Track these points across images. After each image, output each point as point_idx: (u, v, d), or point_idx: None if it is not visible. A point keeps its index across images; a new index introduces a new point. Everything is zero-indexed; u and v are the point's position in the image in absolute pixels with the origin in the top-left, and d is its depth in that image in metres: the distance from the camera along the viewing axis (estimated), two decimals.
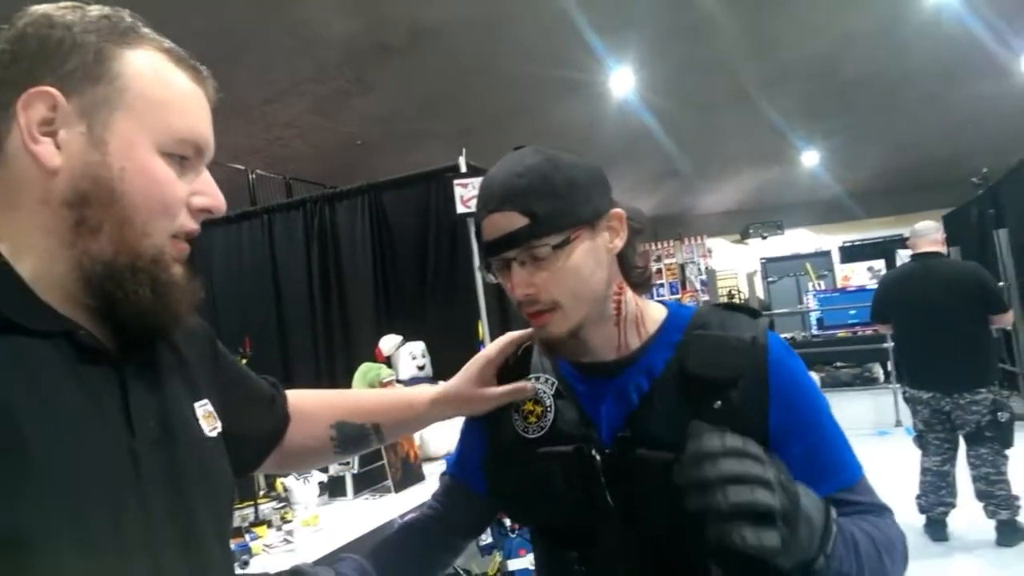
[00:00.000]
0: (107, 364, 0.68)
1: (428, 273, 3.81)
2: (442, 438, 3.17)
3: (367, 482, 2.77)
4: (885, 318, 4.28)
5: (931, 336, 3.91)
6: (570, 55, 7.51)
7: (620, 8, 6.81)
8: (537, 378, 1.04)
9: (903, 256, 9.07)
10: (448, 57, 7.35)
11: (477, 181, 3.60)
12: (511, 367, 1.08)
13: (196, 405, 0.78)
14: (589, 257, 0.92)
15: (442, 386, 1.11)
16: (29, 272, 0.65)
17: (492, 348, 1.08)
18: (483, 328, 3.62)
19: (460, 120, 8.78)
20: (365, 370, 3.19)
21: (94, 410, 0.64)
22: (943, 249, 4.20)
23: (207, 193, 0.74)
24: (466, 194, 3.57)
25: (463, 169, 3.70)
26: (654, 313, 1.01)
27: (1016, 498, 3.87)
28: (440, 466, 3.09)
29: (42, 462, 0.58)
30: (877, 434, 6.95)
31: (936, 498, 4.00)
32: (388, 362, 3.38)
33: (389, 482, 2.70)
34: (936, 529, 4.03)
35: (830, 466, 0.93)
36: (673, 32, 7.43)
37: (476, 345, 3.63)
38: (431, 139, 8.86)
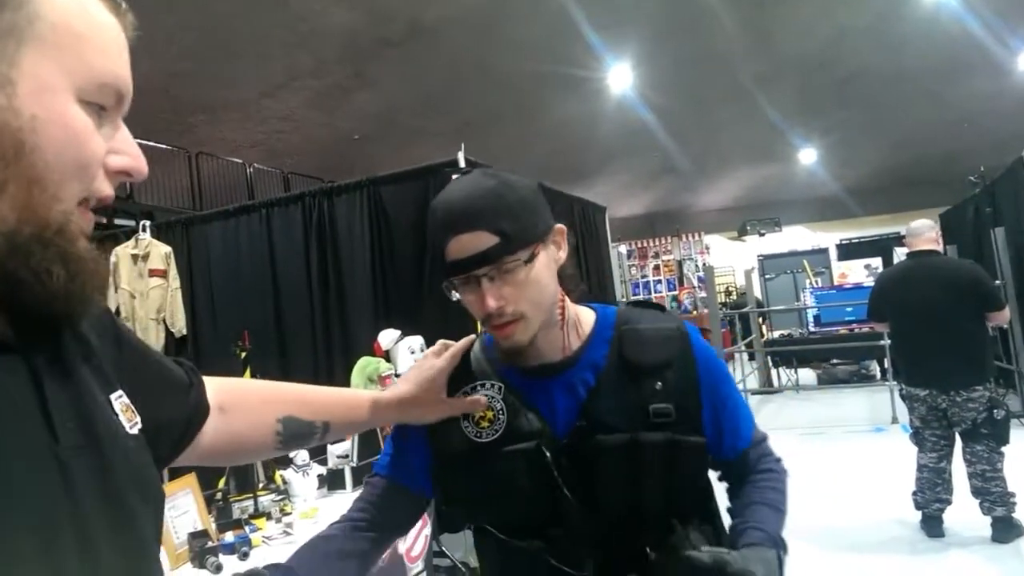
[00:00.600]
0: (16, 359, 0.56)
1: (426, 268, 3.80)
2: None
3: (366, 475, 2.78)
4: (882, 316, 4.30)
5: (928, 334, 3.93)
6: (568, 51, 7.51)
7: (618, 5, 6.81)
8: (483, 384, 1.09)
9: (900, 254, 9.08)
10: (447, 52, 7.35)
11: None
12: (455, 375, 1.11)
13: (112, 398, 0.67)
14: (546, 269, 1.01)
15: (398, 390, 1.09)
16: None
17: (444, 358, 1.11)
18: (480, 325, 3.63)
19: (459, 115, 8.78)
20: (364, 364, 3.19)
21: (8, 411, 0.53)
22: (939, 247, 4.21)
23: (127, 152, 0.61)
24: None
25: (462, 164, 3.70)
26: (585, 315, 1.12)
27: (1011, 495, 3.88)
28: None
29: None
30: (873, 431, 6.97)
31: (932, 495, 4.02)
32: (387, 356, 3.38)
33: None
34: (932, 525, 4.04)
35: (740, 426, 1.13)
36: (671, 29, 7.43)
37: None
38: (430, 134, 8.86)
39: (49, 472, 0.54)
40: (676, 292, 13.58)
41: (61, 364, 0.61)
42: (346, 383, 2.99)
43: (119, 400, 0.67)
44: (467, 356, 1.14)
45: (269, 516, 2.36)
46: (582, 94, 8.66)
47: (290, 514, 2.39)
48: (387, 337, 3.42)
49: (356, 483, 2.73)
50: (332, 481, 2.77)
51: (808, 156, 12.32)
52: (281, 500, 2.47)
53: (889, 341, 4.31)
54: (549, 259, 1.02)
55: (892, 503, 4.34)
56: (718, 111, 9.61)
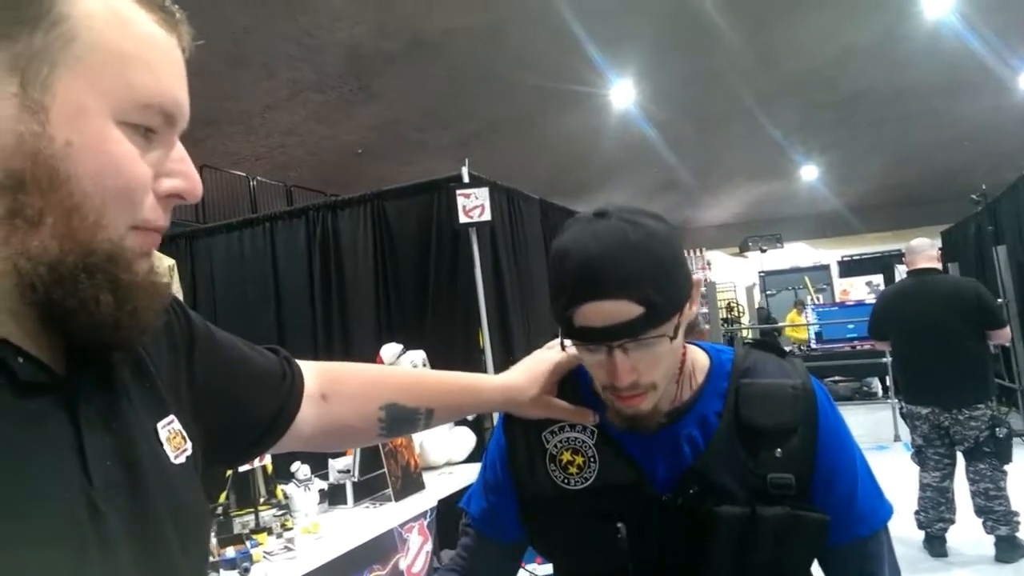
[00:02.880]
0: (53, 392, 0.53)
1: (430, 282, 3.81)
2: (441, 447, 3.17)
3: (367, 490, 2.77)
4: (883, 334, 4.29)
5: (930, 352, 3.92)
6: (572, 67, 7.56)
7: (620, 21, 6.85)
8: (572, 426, 1.00)
9: (902, 271, 9.10)
10: (450, 67, 7.39)
11: (479, 191, 3.62)
12: (562, 386, 1.03)
13: (160, 426, 0.64)
14: (681, 333, 0.89)
15: (507, 377, 1.02)
16: None
17: (565, 356, 1.01)
18: (484, 338, 3.63)
19: (462, 129, 8.82)
20: None
21: (44, 456, 0.51)
22: (939, 265, 4.23)
23: (180, 173, 0.58)
24: (468, 204, 3.58)
25: (465, 179, 3.72)
26: (700, 360, 1.00)
27: (1015, 514, 3.86)
28: (439, 476, 3.09)
29: None
30: (876, 449, 6.95)
31: (936, 514, 4.00)
32: None
33: (389, 491, 2.70)
34: (935, 545, 4.02)
35: (858, 513, 0.97)
36: (673, 46, 7.48)
37: (477, 354, 3.63)
38: (433, 148, 8.90)
39: (79, 517, 0.51)
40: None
41: (106, 394, 0.58)
42: None
43: (168, 427, 0.65)
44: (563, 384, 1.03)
45: (270, 531, 2.35)
46: (585, 109, 8.71)
47: (291, 529, 2.38)
48: (389, 351, 3.42)
49: (358, 498, 2.72)
50: (333, 496, 2.76)
51: (810, 173, 12.36)
52: (282, 515, 2.46)
53: (891, 360, 4.30)
54: (686, 320, 0.90)
55: (895, 521, 4.31)
56: (720, 128, 9.65)
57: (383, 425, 0.96)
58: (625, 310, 0.82)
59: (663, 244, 0.85)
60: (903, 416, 4.16)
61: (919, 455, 4.05)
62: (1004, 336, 4.13)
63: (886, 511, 1.00)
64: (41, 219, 0.50)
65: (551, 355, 1.02)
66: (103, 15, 0.52)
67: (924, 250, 4.15)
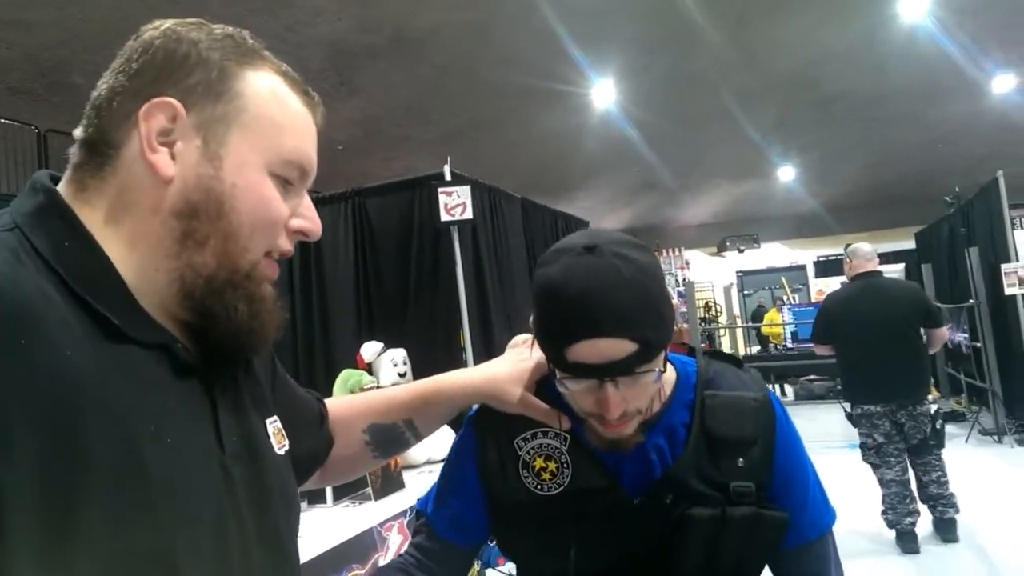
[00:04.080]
0: (198, 379, 0.68)
1: (411, 281, 3.80)
2: (421, 446, 3.16)
3: (347, 489, 2.76)
4: (831, 338, 4.42)
5: (884, 351, 4.09)
6: (553, 66, 7.57)
7: (602, 22, 6.87)
8: (544, 432, 1.02)
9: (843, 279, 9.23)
10: (433, 63, 7.37)
11: (461, 189, 3.61)
12: (515, 416, 1.04)
13: (267, 422, 0.79)
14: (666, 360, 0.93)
15: (491, 369, 1.07)
16: (131, 281, 0.65)
17: (538, 357, 1.04)
18: (464, 337, 3.63)
19: (443, 126, 8.80)
20: (346, 377, 3.18)
21: (194, 424, 0.66)
22: (878, 268, 4.47)
23: (306, 217, 0.76)
24: (450, 202, 3.58)
25: (448, 177, 3.71)
26: (667, 374, 1.02)
27: (954, 495, 4.18)
28: (419, 475, 3.09)
29: (159, 478, 0.58)
30: (848, 447, 7.04)
31: (904, 509, 4.10)
32: (369, 369, 3.37)
33: (369, 489, 2.69)
34: (907, 541, 4.11)
35: (807, 519, 1.03)
36: (654, 46, 7.51)
37: (458, 354, 3.63)
38: (414, 144, 8.87)
39: (217, 475, 0.66)
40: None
41: (233, 389, 0.74)
42: (328, 395, 2.98)
43: (272, 424, 0.80)
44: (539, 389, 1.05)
45: None
46: (567, 108, 8.72)
47: None
48: (370, 350, 3.41)
49: (337, 497, 2.72)
50: (313, 495, 2.74)
51: (787, 174, 12.48)
52: None
53: (838, 363, 4.44)
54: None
55: (865, 517, 4.42)
56: (700, 128, 9.72)
57: (371, 447, 1.04)
58: (621, 348, 0.84)
59: (653, 279, 0.87)
60: (853, 418, 4.26)
61: (879, 453, 4.16)
62: (942, 336, 4.38)
63: (831, 516, 1.06)
64: (206, 241, 0.66)
65: (535, 358, 1.04)
66: (266, 94, 0.71)
67: (872, 255, 4.40)
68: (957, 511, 4.15)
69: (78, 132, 0.69)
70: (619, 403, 0.89)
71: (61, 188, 0.67)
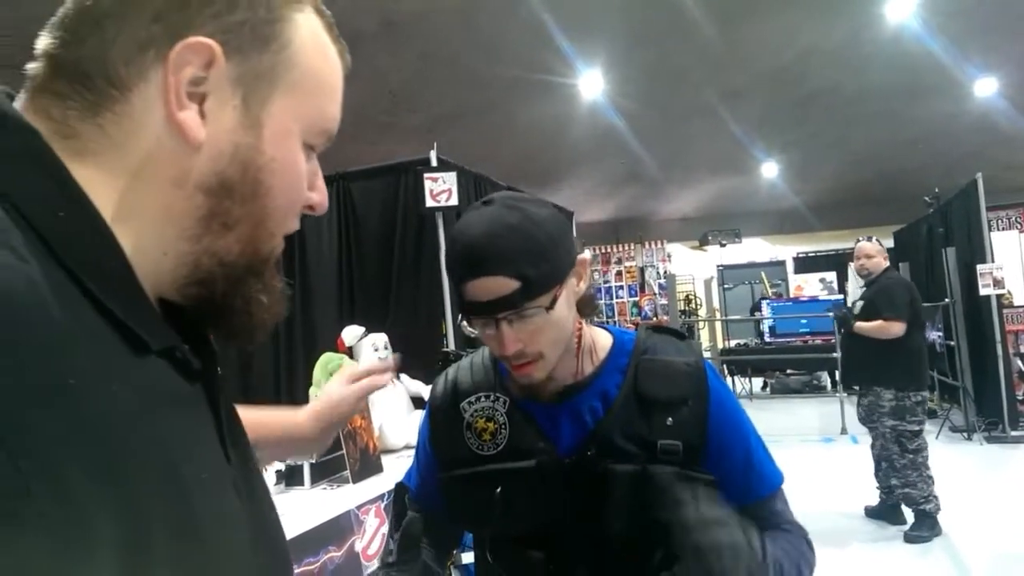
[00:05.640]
0: (202, 384, 0.55)
1: (394, 265, 3.80)
2: (400, 431, 3.18)
3: (324, 472, 2.77)
4: (916, 321, 4.40)
5: (925, 339, 4.40)
6: (540, 56, 7.55)
7: (590, 12, 6.86)
8: (487, 396, 1.09)
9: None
10: (419, 49, 7.32)
11: (447, 175, 3.61)
12: (458, 386, 1.14)
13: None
14: (565, 306, 0.99)
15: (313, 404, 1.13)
16: (129, 259, 0.50)
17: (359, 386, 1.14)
18: (447, 324, 3.63)
19: (429, 113, 8.75)
20: (326, 360, 3.17)
21: (213, 447, 0.54)
22: None
23: (318, 188, 0.62)
24: (436, 188, 3.57)
25: (434, 163, 3.71)
26: (602, 340, 1.10)
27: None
28: (398, 459, 3.09)
29: (211, 543, 0.48)
30: (823, 441, 7.15)
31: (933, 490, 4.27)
32: (350, 353, 3.36)
33: (347, 472, 2.70)
34: (934, 524, 4.24)
35: (755, 478, 1.07)
36: (641, 39, 7.51)
37: (440, 340, 3.63)
38: (400, 130, 8.82)
39: (237, 505, 0.54)
40: (637, 298, 13.74)
41: (223, 391, 0.61)
42: (308, 378, 2.97)
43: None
44: (474, 364, 1.15)
45: None
46: (554, 98, 8.70)
47: None
48: (351, 333, 3.40)
49: (315, 479, 2.72)
50: (290, 477, 2.75)
51: (770, 170, 12.56)
52: None
53: (907, 346, 4.34)
54: (569, 292, 1.00)
55: (843, 509, 4.50)
56: (685, 122, 9.74)
57: None
58: (504, 285, 0.92)
59: (539, 225, 0.94)
60: (906, 407, 4.27)
61: (920, 438, 4.27)
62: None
63: (780, 476, 1.11)
64: (235, 225, 0.54)
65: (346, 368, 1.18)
66: (312, 43, 0.57)
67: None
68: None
69: (47, 43, 0.51)
70: (513, 341, 0.96)
71: (36, 126, 0.49)
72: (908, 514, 4.32)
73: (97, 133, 0.49)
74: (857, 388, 4.55)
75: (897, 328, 4.20)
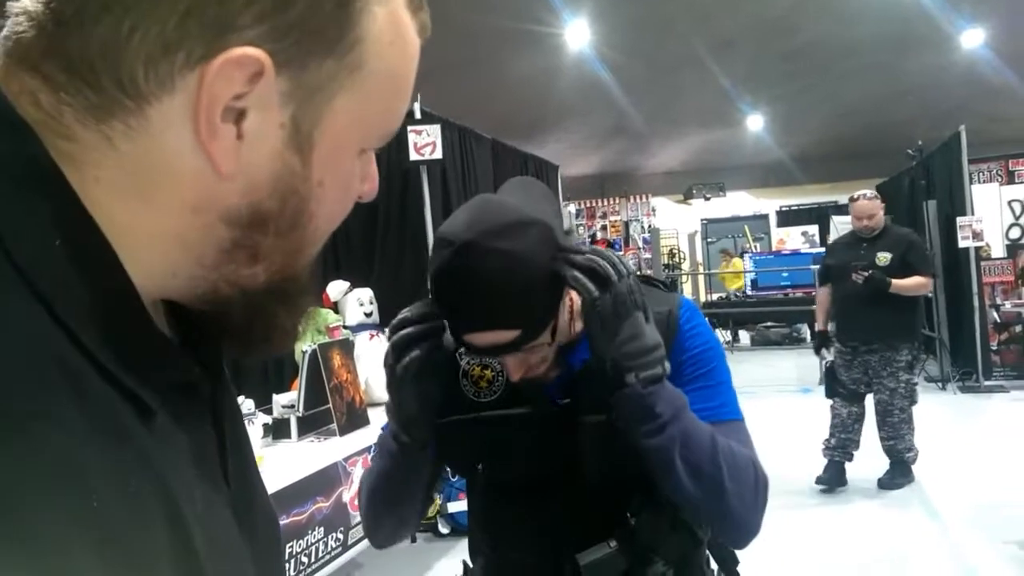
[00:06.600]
0: (207, 407, 0.48)
1: (379, 219, 3.79)
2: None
3: (312, 425, 2.80)
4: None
5: None
6: (527, 6, 7.41)
7: None
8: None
9: (837, 222, 9.39)
10: None
11: (431, 128, 3.57)
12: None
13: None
14: (562, 312, 0.99)
15: None
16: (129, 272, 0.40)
17: None
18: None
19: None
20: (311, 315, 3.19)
21: (215, 485, 0.46)
22: None
23: (370, 177, 0.50)
24: (420, 141, 3.54)
25: (418, 116, 3.66)
26: None
27: None
28: (383, 412, 3.13)
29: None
30: (801, 391, 7.28)
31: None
32: (335, 308, 3.37)
33: (334, 425, 2.73)
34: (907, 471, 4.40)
35: (720, 401, 1.09)
36: None
37: (425, 295, 3.64)
38: None
39: (237, 536, 0.47)
40: (621, 253, 13.79)
41: (230, 407, 0.53)
42: None
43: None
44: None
45: None
46: (540, 50, 8.57)
47: None
48: (336, 288, 3.40)
49: (302, 432, 2.75)
50: (277, 430, 2.78)
51: (756, 123, 12.51)
52: None
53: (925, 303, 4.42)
54: (564, 308, 1.00)
55: (816, 459, 4.60)
56: (672, 73, 9.65)
57: None
58: (503, 336, 0.92)
59: (524, 266, 0.89)
60: (919, 361, 4.45)
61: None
62: None
63: (742, 415, 1.11)
64: (264, 257, 0.44)
65: None
66: (389, 33, 0.44)
67: None
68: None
69: (35, 7, 0.38)
70: (518, 367, 0.99)
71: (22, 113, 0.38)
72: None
73: (100, 142, 0.38)
74: (857, 345, 4.34)
75: (931, 284, 4.18)
